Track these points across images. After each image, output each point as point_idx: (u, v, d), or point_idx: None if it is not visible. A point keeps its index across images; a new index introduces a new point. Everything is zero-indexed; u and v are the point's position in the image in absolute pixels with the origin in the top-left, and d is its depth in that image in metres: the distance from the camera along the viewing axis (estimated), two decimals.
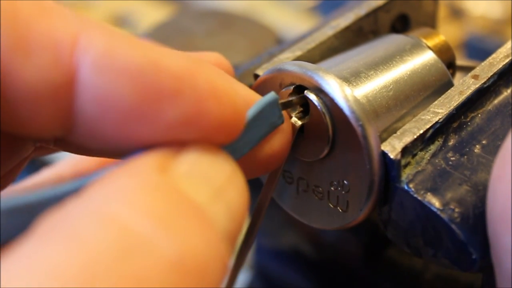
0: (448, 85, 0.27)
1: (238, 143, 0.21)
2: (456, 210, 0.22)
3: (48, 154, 0.26)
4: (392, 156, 0.23)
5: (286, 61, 0.27)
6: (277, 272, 0.40)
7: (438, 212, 0.22)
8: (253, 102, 0.22)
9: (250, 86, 0.24)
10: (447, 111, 0.24)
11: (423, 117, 0.24)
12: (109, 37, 0.19)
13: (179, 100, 0.18)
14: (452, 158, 0.24)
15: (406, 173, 0.23)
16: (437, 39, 0.29)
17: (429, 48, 0.28)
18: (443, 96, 0.25)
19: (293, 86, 0.24)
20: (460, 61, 0.30)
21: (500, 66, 0.26)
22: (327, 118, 0.24)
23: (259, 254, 0.41)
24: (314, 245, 0.38)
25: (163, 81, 0.18)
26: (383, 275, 0.35)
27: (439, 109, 0.24)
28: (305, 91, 0.24)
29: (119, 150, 0.19)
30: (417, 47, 0.28)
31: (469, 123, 0.25)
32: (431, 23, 0.33)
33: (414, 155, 0.24)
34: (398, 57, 0.27)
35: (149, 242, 0.16)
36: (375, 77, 0.26)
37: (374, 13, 0.30)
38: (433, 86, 0.27)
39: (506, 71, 0.26)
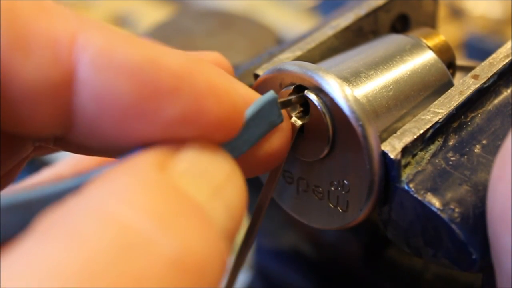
0: (448, 85, 0.27)
1: (237, 142, 0.21)
2: (456, 210, 0.22)
3: (48, 154, 0.26)
4: (392, 156, 0.23)
5: (286, 61, 0.27)
6: (277, 272, 0.40)
7: (438, 212, 0.22)
8: (252, 101, 0.22)
9: (250, 86, 0.24)
10: (447, 111, 0.24)
11: (423, 117, 0.24)
12: (108, 35, 0.19)
13: (178, 98, 0.18)
14: (452, 158, 0.24)
15: (406, 173, 0.23)
16: (437, 39, 0.29)
17: (429, 48, 0.28)
18: (443, 96, 0.25)
19: (293, 86, 0.24)
20: (460, 61, 0.30)
21: (500, 66, 0.26)
22: (327, 118, 0.24)
23: (259, 254, 0.41)
24: (314, 245, 0.38)
25: (162, 79, 0.18)
26: (383, 275, 0.35)
27: (439, 109, 0.24)
28: (305, 91, 0.24)
29: (118, 149, 0.19)
30: (417, 47, 0.28)
31: (469, 123, 0.25)
32: (431, 23, 0.33)
33: (414, 155, 0.24)
34: (398, 57, 0.27)
35: (148, 240, 0.16)
36: (375, 77, 0.26)
37: (374, 13, 0.30)
38: (433, 86, 0.27)
39: (506, 71, 0.26)
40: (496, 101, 0.26)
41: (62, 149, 0.23)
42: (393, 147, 0.23)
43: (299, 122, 0.25)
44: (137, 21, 0.90)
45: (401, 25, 0.32)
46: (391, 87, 0.26)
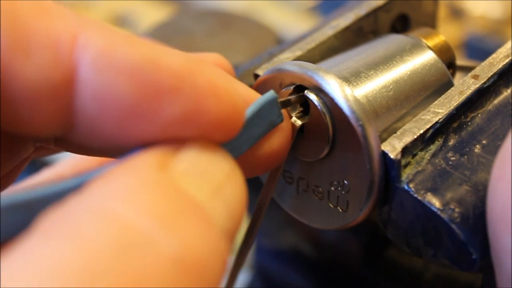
0: (448, 85, 0.27)
1: (237, 141, 0.21)
2: (456, 210, 0.22)
3: (49, 155, 0.26)
4: (392, 156, 0.23)
5: (286, 61, 0.27)
6: (277, 272, 0.40)
7: (438, 212, 0.22)
8: (253, 100, 0.22)
9: (250, 86, 0.24)
10: (447, 111, 0.24)
11: (423, 117, 0.24)
12: (108, 36, 0.19)
13: (178, 97, 0.18)
14: (452, 158, 0.24)
15: (406, 173, 0.23)
16: (437, 39, 0.29)
17: (429, 48, 0.28)
18: (443, 96, 0.25)
19: (293, 86, 0.24)
20: (460, 61, 0.30)
21: (500, 66, 0.26)
22: (327, 118, 0.24)
23: (259, 254, 0.41)
24: (314, 245, 0.38)
25: (162, 78, 0.18)
26: (383, 275, 0.35)
27: (439, 109, 0.24)
28: (305, 91, 0.24)
29: (119, 149, 0.19)
30: (417, 47, 0.28)
31: (469, 123, 0.25)
32: (431, 23, 0.33)
33: (414, 155, 0.24)
34: (398, 57, 0.27)
35: (149, 240, 0.16)
36: (375, 77, 0.26)
37: (374, 13, 0.30)
38: (433, 86, 0.27)
39: (506, 71, 0.26)
40: (496, 101, 0.26)
41: (63, 150, 0.23)
42: (393, 147, 0.23)
43: (299, 122, 0.25)
44: (137, 21, 0.90)
45: (401, 25, 0.32)
46: (391, 87, 0.26)
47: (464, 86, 0.25)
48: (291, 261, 0.39)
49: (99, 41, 0.18)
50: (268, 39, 0.44)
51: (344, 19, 0.30)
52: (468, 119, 0.25)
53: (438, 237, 0.22)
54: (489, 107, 0.26)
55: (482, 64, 0.26)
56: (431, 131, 0.24)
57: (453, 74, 0.29)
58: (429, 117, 0.24)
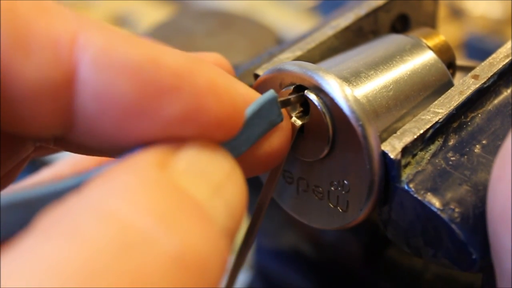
0: (448, 85, 0.27)
1: (237, 141, 0.21)
2: (456, 210, 0.22)
3: (48, 155, 0.26)
4: (392, 156, 0.23)
5: (286, 61, 0.27)
6: (277, 272, 0.40)
7: (438, 212, 0.22)
8: (253, 100, 0.22)
9: (250, 86, 0.24)
10: (447, 111, 0.24)
11: (423, 117, 0.24)
12: (108, 35, 0.19)
13: (178, 96, 0.18)
14: (452, 158, 0.24)
15: (406, 173, 0.23)
16: (437, 39, 0.29)
17: (429, 48, 0.28)
18: (443, 96, 0.25)
19: (293, 86, 0.24)
20: (460, 61, 0.30)
21: (500, 66, 0.26)
22: (327, 118, 0.24)
23: (259, 254, 0.41)
24: (314, 245, 0.38)
25: (162, 77, 0.18)
26: (383, 275, 0.35)
27: (439, 109, 0.24)
28: (305, 91, 0.24)
29: (119, 148, 0.19)
30: (417, 47, 0.28)
31: (469, 123, 0.25)
32: (431, 23, 0.33)
33: (414, 155, 0.24)
34: (398, 57, 0.27)
35: (149, 239, 0.16)
36: (375, 77, 0.26)
37: (374, 13, 0.30)
38: (433, 86, 0.27)
39: (506, 71, 0.26)
40: (496, 101, 0.26)
41: (63, 149, 0.23)
42: (393, 147, 0.23)
43: (299, 122, 0.25)
44: (137, 21, 0.90)
45: (401, 25, 0.32)
46: (391, 87, 0.26)
47: (464, 86, 0.25)
48: (291, 261, 0.39)
49: (99, 41, 0.18)
50: (268, 39, 0.44)
51: (344, 19, 0.30)
52: (468, 119, 0.25)
53: (438, 237, 0.22)
54: (489, 107, 0.26)
55: (482, 64, 0.26)
56: (431, 131, 0.24)
57: (453, 74, 0.29)
58: (429, 117, 0.24)
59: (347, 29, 0.30)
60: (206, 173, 0.19)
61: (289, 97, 0.24)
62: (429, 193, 0.22)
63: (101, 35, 0.19)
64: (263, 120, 0.22)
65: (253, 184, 0.25)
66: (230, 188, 0.19)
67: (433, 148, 0.24)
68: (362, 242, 0.35)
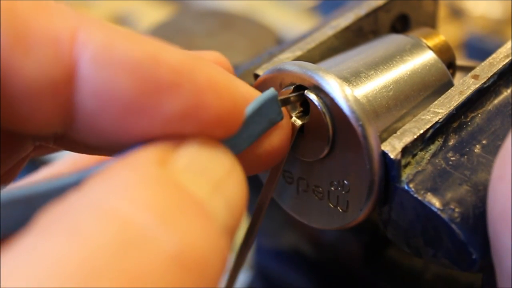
0: (448, 85, 0.27)
1: (237, 139, 0.21)
2: (456, 210, 0.22)
3: (48, 154, 0.26)
4: (392, 156, 0.23)
5: (286, 61, 0.27)
6: (277, 272, 0.40)
7: (438, 212, 0.22)
8: (252, 98, 0.22)
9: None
10: (447, 111, 0.24)
11: (423, 117, 0.24)
12: (108, 32, 0.19)
13: (178, 93, 0.18)
14: (452, 158, 0.24)
15: (406, 173, 0.23)
16: (437, 39, 0.29)
17: (429, 48, 0.28)
18: (443, 96, 0.25)
19: (293, 86, 0.24)
20: (460, 61, 0.30)
21: (500, 66, 0.26)
22: (327, 118, 0.24)
23: (259, 254, 0.41)
24: (314, 245, 0.38)
25: (162, 74, 0.18)
26: (383, 275, 0.35)
27: (439, 109, 0.24)
28: (305, 91, 0.24)
29: (119, 146, 0.19)
30: (417, 47, 0.28)
31: (469, 123, 0.25)
32: (431, 23, 0.33)
33: (414, 155, 0.23)
34: (398, 57, 0.27)
35: (149, 236, 0.16)
36: (375, 77, 0.26)
37: (374, 13, 0.30)
38: (433, 86, 0.27)
39: (506, 71, 0.26)
40: (496, 101, 0.26)
41: (62, 148, 0.23)
42: (393, 147, 0.23)
43: (299, 122, 0.25)
44: (137, 21, 0.90)
45: (401, 25, 0.32)
46: (391, 87, 0.26)
47: (464, 86, 0.25)
48: (291, 261, 0.39)
49: (98, 38, 0.18)
50: (268, 39, 0.44)
51: (344, 19, 0.30)
52: (468, 119, 0.25)
53: (438, 237, 0.22)
54: (489, 107, 0.26)
55: (482, 64, 0.26)
56: (431, 131, 0.24)
57: (453, 74, 0.29)
58: (429, 117, 0.24)
59: (347, 29, 0.30)
60: (206, 170, 0.19)
61: (289, 95, 0.24)
62: (429, 193, 0.22)
63: (101, 32, 0.19)
64: (263, 118, 0.22)
65: (253, 184, 0.25)
66: (231, 185, 0.19)
67: (433, 148, 0.24)
68: (362, 242, 0.35)
